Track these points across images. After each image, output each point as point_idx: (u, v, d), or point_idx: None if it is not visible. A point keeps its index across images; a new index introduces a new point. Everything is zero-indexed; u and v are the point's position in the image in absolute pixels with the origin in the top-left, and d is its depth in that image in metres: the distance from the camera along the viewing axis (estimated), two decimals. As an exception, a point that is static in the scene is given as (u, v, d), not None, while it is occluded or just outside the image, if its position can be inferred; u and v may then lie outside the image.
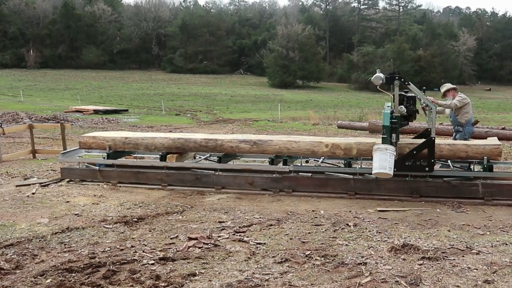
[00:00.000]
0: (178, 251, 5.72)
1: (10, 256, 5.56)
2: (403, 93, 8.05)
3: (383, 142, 7.60)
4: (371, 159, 7.66)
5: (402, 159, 7.94)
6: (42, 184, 9.13)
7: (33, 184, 9.19)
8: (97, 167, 9.36)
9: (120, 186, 9.02)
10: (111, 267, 5.20)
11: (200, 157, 9.72)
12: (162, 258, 5.47)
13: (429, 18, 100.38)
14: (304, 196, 8.27)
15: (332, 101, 50.59)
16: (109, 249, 5.80)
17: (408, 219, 6.97)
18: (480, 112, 38.34)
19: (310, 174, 8.50)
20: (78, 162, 9.72)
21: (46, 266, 5.28)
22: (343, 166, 8.62)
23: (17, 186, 9.08)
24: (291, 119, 28.44)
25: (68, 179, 9.45)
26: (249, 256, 5.57)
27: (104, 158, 9.50)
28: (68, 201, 8.03)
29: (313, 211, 7.41)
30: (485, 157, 7.97)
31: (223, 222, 6.87)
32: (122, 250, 5.77)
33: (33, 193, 8.48)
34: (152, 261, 5.39)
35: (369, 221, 6.86)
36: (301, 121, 27.29)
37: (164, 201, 8.09)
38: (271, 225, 6.72)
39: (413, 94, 8.04)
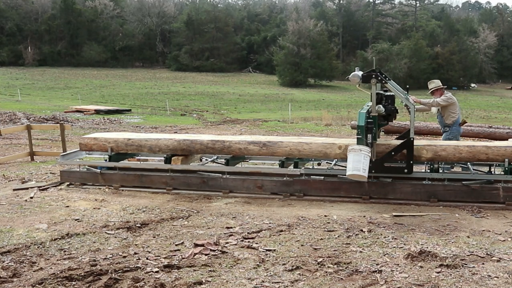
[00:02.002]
0: (183, 258, 5.74)
1: (7, 263, 5.59)
2: (381, 91, 8.07)
3: (358, 143, 7.64)
4: None
5: (380, 160, 7.95)
6: (40, 188, 9.17)
7: (31, 187, 9.22)
8: (99, 170, 9.37)
9: (122, 190, 9.05)
10: (113, 275, 5.22)
11: (206, 160, 9.75)
12: (167, 266, 5.48)
13: (447, 14, 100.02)
14: (316, 201, 8.27)
15: (345, 100, 50.49)
16: (111, 256, 5.82)
17: (425, 224, 6.96)
18: (501, 112, 38.23)
19: (323, 177, 8.49)
20: (78, 164, 9.75)
21: (45, 274, 5.30)
22: (356, 169, 8.62)
23: (14, 190, 9.12)
24: (302, 120, 28.43)
25: (68, 183, 9.49)
26: (258, 263, 5.57)
27: (105, 160, 9.54)
28: (68, 206, 8.05)
29: (325, 216, 7.40)
30: (506, 160, 7.94)
31: (231, 227, 6.88)
32: (124, 257, 5.79)
33: (31, 197, 8.52)
34: (156, 269, 5.40)
35: (384, 227, 6.85)
36: (313, 122, 27.29)
37: (169, 205, 8.10)
38: (281, 231, 6.72)
39: (392, 93, 8.05)
